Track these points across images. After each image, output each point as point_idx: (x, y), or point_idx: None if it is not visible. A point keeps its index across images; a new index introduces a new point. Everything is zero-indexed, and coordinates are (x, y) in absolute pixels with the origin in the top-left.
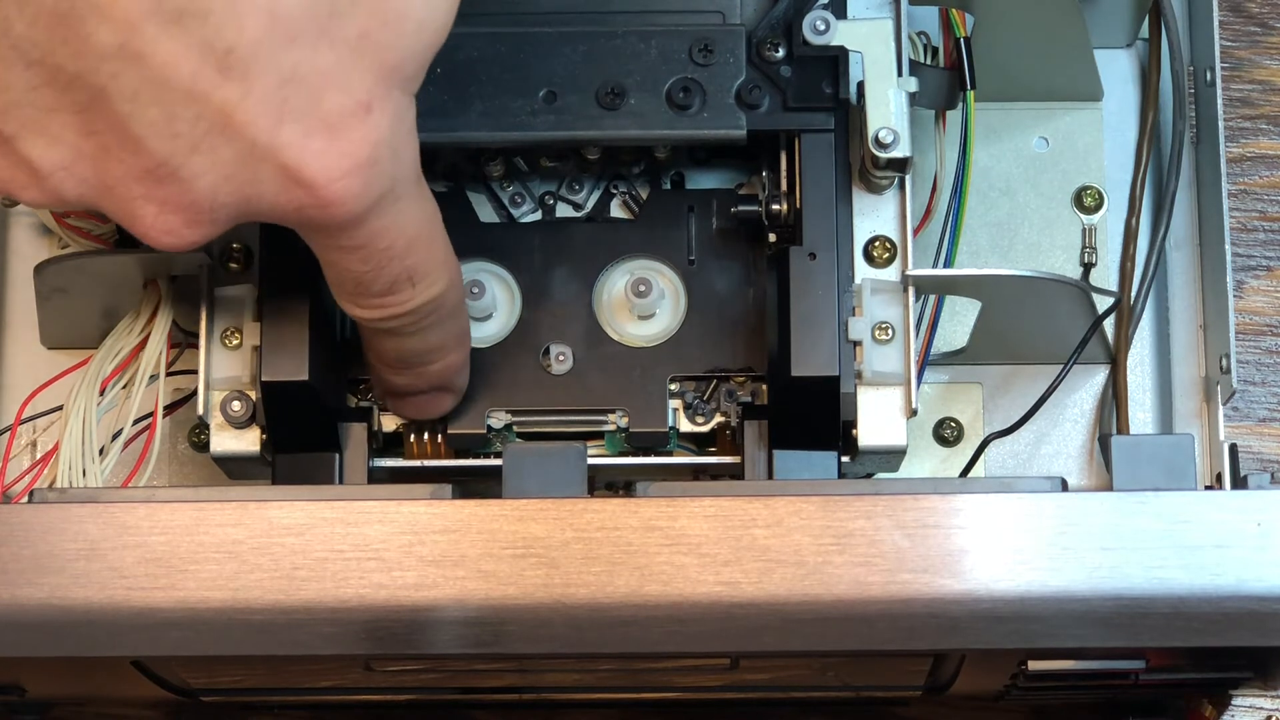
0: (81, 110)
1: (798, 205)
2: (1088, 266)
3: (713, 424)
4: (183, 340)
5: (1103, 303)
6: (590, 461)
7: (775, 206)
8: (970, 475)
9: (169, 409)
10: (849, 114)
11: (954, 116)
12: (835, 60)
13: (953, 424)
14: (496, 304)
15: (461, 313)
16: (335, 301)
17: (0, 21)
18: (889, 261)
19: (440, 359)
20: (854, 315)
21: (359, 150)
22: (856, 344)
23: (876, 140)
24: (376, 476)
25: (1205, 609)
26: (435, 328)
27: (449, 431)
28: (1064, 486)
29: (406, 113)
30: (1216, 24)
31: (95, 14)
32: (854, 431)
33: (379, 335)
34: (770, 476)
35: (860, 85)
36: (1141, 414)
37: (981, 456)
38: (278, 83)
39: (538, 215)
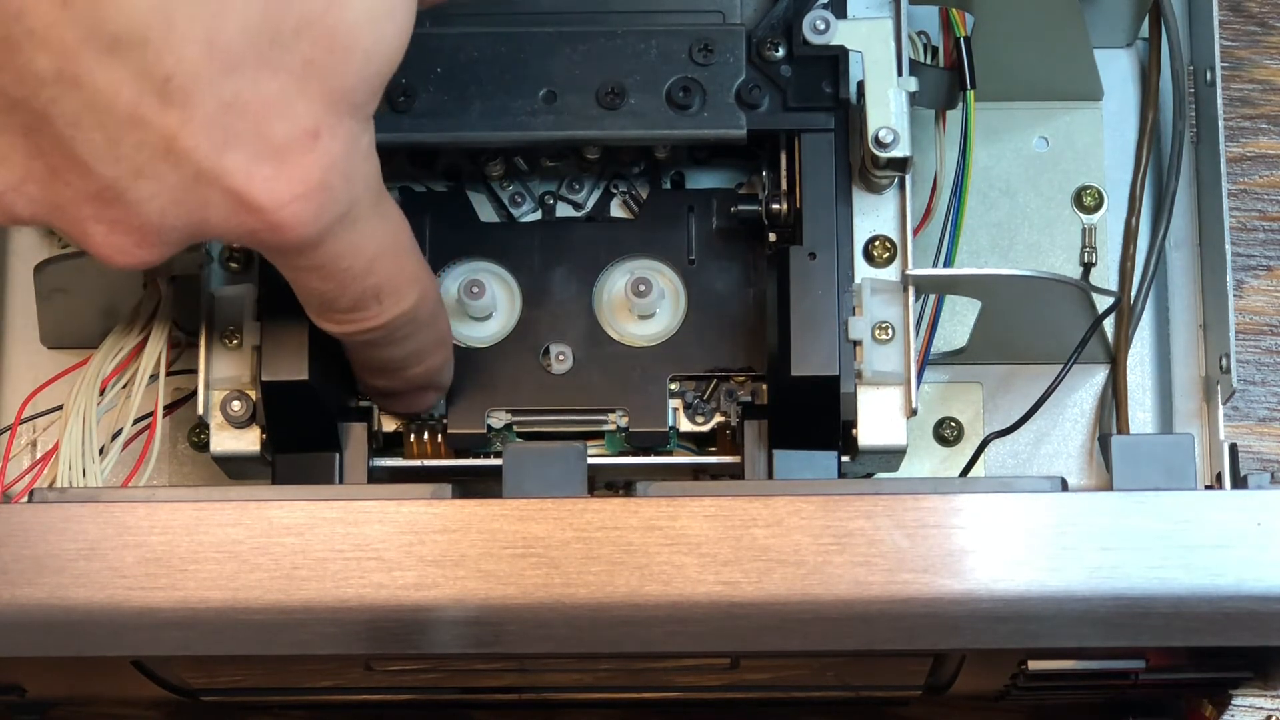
0: (27, 133)
1: (798, 205)
2: (1088, 266)
3: (713, 424)
4: (183, 340)
5: (1103, 303)
6: (590, 461)
7: (775, 206)
8: (970, 475)
9: (169, 409)
10: (849, 114)
11: (954, 116)
12: (835, 60)
13: (953, 424)
14: (496, 304)
15: (438, 320)
16: None
17: None
18: (889, 261)
19: (418, 364)
20: (854, 315)
21: (309, 175)
22: (856, 344)
23: (876, 140)
24: (376, 476)
25: (1205, 609)
26: (409, 338)
27: (449, 431)
28: (1064, 486)
29: (360, 136)
30: (1216, 24)
31: (32, 41)
32: (854, 431)
33: (355, 346)
34: (770, 476)
35: (860, 85)
36: (1141, 414)
37: (981, 456)
38: (219, 110)
39: (538, 215)
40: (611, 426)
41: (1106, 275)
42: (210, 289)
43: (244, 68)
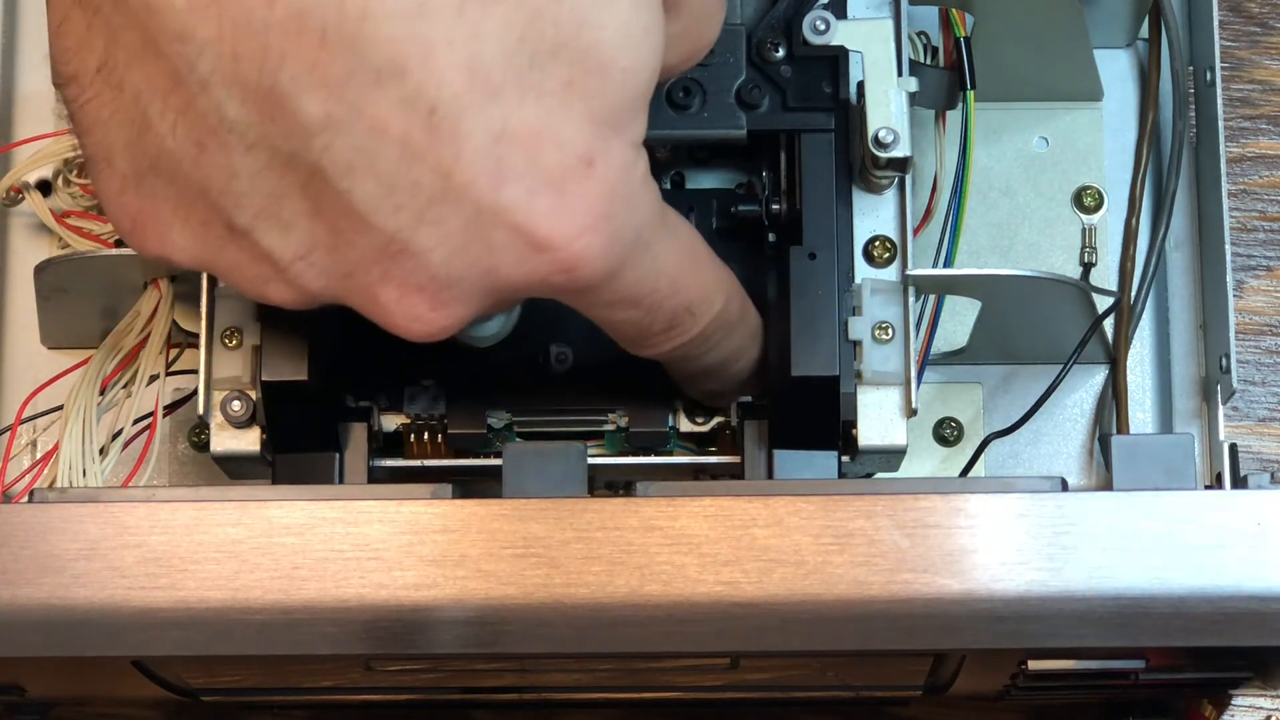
0: (304, 192)
1: (798, 205)
2: (1088, 266)
3: (713, 424)
4: (183, 340)
5: (1103, 303)
6: (590, 461)
7: (775, 206)
8: (970, 475)
9: (169, 409)
10: (849, 114)
11: (954, 116)
12: (835, 60)
13: (953, 424)
14: None
15: (747, 313)
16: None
17: (215, 107)
18: (889, 261)
19: (738, 360)
20: (854, 315)
21: (591, 206)
22: (856, 344)
23: (876, 140)
24: (376, 476)
25: (1205, 609)
26: (727, 339)
27: (449, 431)
28: (1064, 486)
29: (636, 162)
30: (1216, 24)
31: (296, 86)
32: (854, 431)
33: (674, 361)
34: (770, 476)
35: (860, 85)
36: (1141, 414)
37: (981, 456)
38: (489, 140)
39: None
40: (611, 426)
41: (1106, 275)
42: (210, 289)
43: (506, 93)
